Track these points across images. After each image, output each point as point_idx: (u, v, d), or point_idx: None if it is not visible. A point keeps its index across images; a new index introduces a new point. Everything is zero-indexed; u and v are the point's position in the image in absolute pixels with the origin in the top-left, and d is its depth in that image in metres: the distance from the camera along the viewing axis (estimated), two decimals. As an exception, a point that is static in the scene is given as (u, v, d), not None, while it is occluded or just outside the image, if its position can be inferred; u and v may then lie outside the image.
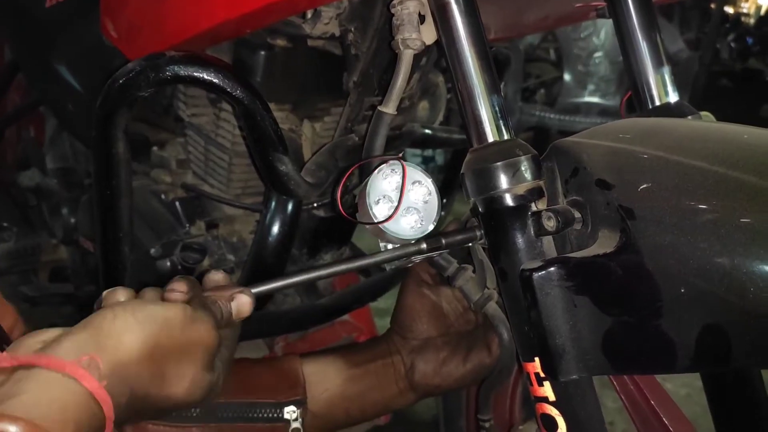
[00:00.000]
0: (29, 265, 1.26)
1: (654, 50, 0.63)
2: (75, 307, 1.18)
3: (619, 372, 0.47)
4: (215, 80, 0.63)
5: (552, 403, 0.51)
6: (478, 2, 0.62)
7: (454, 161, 1.29)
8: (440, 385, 0.66)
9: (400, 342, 0.67)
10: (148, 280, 0.88)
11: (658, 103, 0.64)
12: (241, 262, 0.93)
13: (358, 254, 1.00)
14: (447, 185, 1.18)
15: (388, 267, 0.60)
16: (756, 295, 0.38)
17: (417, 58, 0.68)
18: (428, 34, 0.59)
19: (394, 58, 0.62)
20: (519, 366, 0.55)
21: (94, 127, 0.69)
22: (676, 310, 0.41)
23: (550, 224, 0.50)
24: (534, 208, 0.52)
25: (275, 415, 0.59)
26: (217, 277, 0.56)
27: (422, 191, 0.56)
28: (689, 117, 0.62)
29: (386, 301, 0.70)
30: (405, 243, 0.57)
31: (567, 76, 2.95)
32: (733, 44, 4.19)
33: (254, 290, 0.54)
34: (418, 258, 0.58)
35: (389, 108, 0.62)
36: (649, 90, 0.64)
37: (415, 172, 0.56)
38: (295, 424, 0.59)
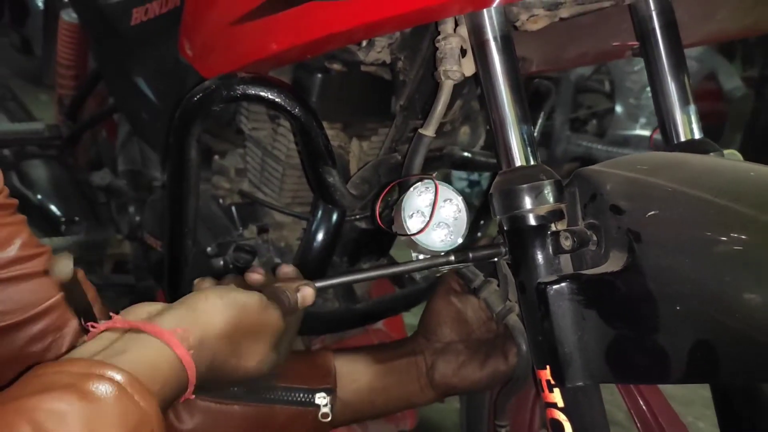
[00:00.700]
0: (96, 256, 1.37)
1: (681, 89, 0.67)
2: (134, 297, 1.28)
3: (619, 381, 0.51)
4: (278, 99, 0.72)
5: (560, 409, 0.55)
6: (522, 36, 0.68)
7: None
8: (457, 386, 0.71)
9: (425, 343, 0.72)
10: (203, 276, 0.96)
11: (683, 139, 0.67)
12: (286, 266, 1.00)
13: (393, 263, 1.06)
14: (486, 207, 1.22)
15: (418, 276, 0.65)
16: (743, 316, 0.42)
17: (458, 87, 0.74)
18: (468, 66, 0.65)
19: (437, 87, 0.69)
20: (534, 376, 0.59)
21: (171, 134, 0.78)
22: (671, 327, 0.46)
23: (567, 243, 0.55)
24: (554, 228, 0.57)
25: (308, 399, 0.66)
26: (288, 269, 0.66)
27: (453, 208, 0.62)
28: (711, 154, 0.66)
29: (418, 317, 0.76)
30: (435, 254, 0.63)
31: (618, 109, 2.95)
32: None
33: (317, 284, 0.61)
34: (446, 268, 0.63)
35: (429, 131, 0.68)
36: (675, 127, 0.67)
37: (446, 191, 0.62)
38: (325, 409, 0.66)
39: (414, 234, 0.61)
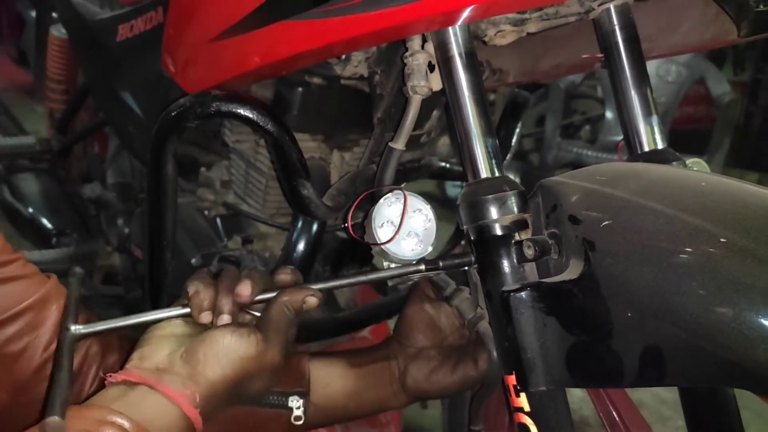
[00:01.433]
0: (85, 267, 1.39)
1: (644, 101, 0.69)
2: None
3: (579, 385, 0.53)
4: (251, 116, 0.74)
5: (527, 413, 0.57)
6: (499, 49, 0.70)
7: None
8: (428, 391, 0.72)
9: (398, 348, 0.74)
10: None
11: (647, 149, 0.69)
12: (270, 276, 1.02)
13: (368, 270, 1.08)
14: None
15: (391, 283, 0.67)
16: (687, 322, 0.43)
17: (434, 99, 0.77)
18: (436, 81, 0.67)
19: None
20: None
21: (149, 150, 0.80)
22: (623, 333, 0.47)
23: (529, 252, 0.57)
24: (518, 237, 0.59)
25: (281, 402, 0.68)
26: (286, 277, 0.65)
27: (422, 218, 0.64)
28: (674, 163, 0.68)
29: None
30: (407, 263, 0.64)
31: (608, 115, 2.98)
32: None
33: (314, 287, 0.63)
34: (416, 277, 0.65)
35: (398, 144, 0.70)
36: (639, 137, 0.69)
37: (416, 201, 0.64)
38: (298, 412, 0.68)
39: (384, 243, 0.63)
